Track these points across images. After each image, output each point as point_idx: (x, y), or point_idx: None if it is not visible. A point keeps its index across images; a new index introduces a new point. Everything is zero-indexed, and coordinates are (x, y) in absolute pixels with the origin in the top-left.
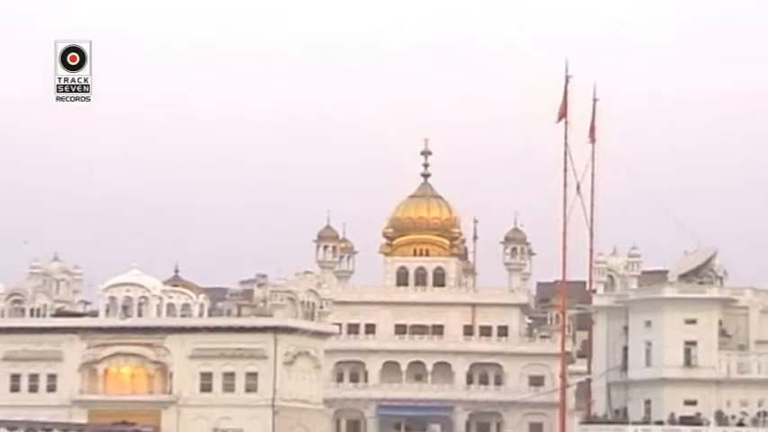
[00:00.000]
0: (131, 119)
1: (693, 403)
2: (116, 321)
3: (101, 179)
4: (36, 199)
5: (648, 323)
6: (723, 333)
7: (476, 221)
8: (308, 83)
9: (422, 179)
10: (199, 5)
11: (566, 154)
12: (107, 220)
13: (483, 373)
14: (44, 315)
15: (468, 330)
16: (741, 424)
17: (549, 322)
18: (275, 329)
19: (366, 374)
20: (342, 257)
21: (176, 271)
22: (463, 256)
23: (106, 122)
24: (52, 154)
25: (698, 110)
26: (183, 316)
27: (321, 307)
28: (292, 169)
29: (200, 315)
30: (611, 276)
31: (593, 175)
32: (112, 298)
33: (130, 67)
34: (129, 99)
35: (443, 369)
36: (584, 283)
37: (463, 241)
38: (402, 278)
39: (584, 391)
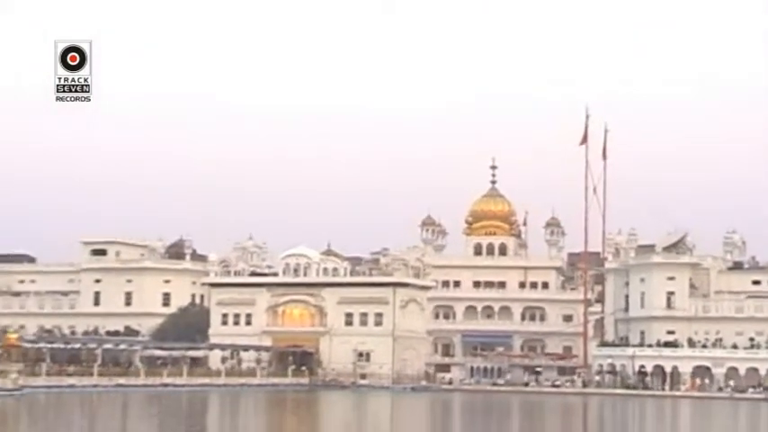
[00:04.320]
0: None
1: (672, 333)
2: (290, 279)
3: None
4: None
5: (642, 279)
6: (692, 286)
7: (527, 213)
8: (417, 125)
9: (491, 184)
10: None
11: (586, 167)
12: (292, 208)
13: (532, 313)
14: (243, 275)
15: (522, 285)
16: (704, 346)
17: (575, 279)
18: (394, 284)
19: (454, 314)
20: (438, 236)
21: (329, 245)
22: (518, 235)
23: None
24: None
25: (677, 139)
26: (333, 276)
27: (424, 269)
28: (406, 180)
29: (345, 275)
30: (617, 249)
31: (605, 181)
32: (287, 264)
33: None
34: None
35: (506, 311)
36: (599, 253)
37: (518, 226)
38: (478, 250)
39: (600, 324)
